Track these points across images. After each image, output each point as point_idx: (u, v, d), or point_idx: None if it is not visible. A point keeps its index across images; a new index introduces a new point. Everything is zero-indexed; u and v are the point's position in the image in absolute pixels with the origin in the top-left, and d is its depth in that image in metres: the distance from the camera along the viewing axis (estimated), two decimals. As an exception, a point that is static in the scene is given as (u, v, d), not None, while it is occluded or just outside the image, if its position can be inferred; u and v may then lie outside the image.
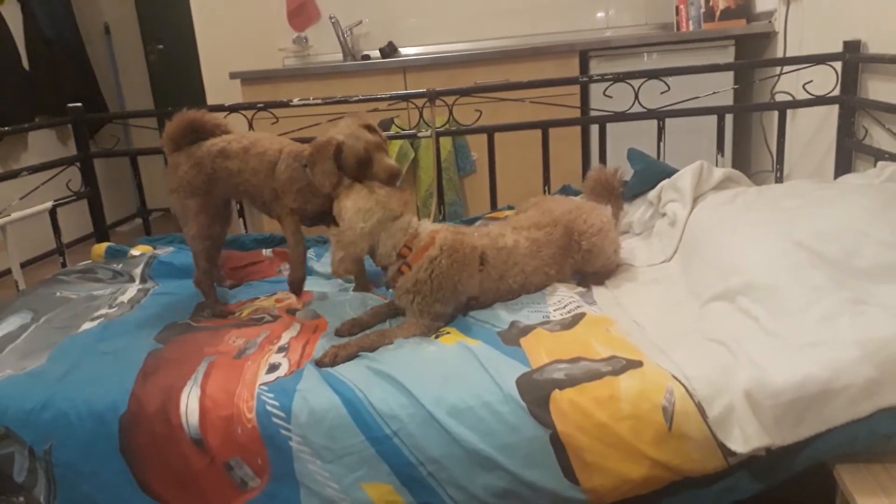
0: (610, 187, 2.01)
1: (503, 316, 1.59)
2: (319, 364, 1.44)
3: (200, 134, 1.82)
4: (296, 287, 1.75)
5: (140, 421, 1.35)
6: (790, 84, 2.40)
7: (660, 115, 2.35)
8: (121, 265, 2.13)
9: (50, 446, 1.35)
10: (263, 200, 1.79)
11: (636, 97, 2.32)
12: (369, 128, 1.68)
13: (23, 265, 2.35)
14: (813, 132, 2.53)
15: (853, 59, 2.21)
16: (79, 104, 2.61)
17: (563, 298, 1.66)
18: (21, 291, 2.14)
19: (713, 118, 2.39)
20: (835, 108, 2.30)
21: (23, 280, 2.31)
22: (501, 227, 1.75)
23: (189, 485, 1.33)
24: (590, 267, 1.77)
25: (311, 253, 2.18)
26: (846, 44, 2.22)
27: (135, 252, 2.25)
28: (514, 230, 1.72)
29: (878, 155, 2.04)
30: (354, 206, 1.56)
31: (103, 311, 1.80)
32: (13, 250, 2.26)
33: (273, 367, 1.45)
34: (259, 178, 1.76)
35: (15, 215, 2.26)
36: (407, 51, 3.77)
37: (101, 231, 2.69)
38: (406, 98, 2.54)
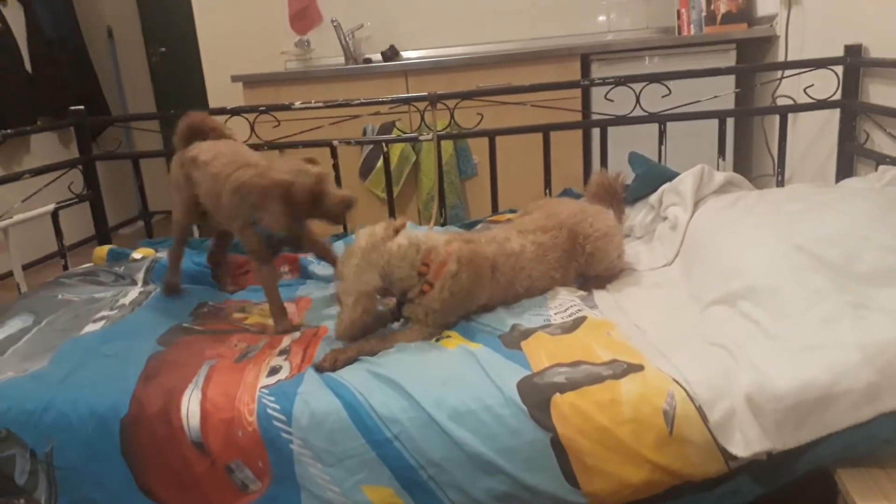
0: (613, 191, 2.01)
1: (504, 319, 1.59)
2: (319, 368, 1.44)
3: (200, 136, 1.85)
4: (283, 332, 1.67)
5: (141, 423, 1.35)
6: (791, 88, 2.40)
7: (661, 119, 2.35)
8: (123, 268, 2.13)
9: (51, 448, 1.35)
10: (225, 226, 1.79)
11: (637, 101, 2.32)
12: (311, 161, 1.66)
13: (24, 267, 2.35)
14: (814, 136, 2.53)
15: (854, 63, 2.21)
16: (81, 107, 2.62)
17: (564, 302, 1.66)
18: (23, 294, 2.14)
19: (714, 122, 2.39)
20: (836, 112, 2.30)
21: (24, 282, 2.31)
22: (507, 231, 1.74)
23: (190, 487, 1.33)
24: (592, 270, 1.77)
25: (310, 256, 2.18)
26: (847, 48, 2.22)
27: (136, 255, 2.25)
28: (520, 234, 1.72)
29: (880, 159, 2.04)
30: (346, 265, 1.54)
31: (105, 314, 1.80)
32: (15, 253, 2.26)
33: (274, 370, 1.45)
34: (211, 200, 1.74)
35: (17, 218, 2.26)
36: (408, 54, 3.77)
37: (102, 234, 2.70)
38: (407, 101, 2.54)
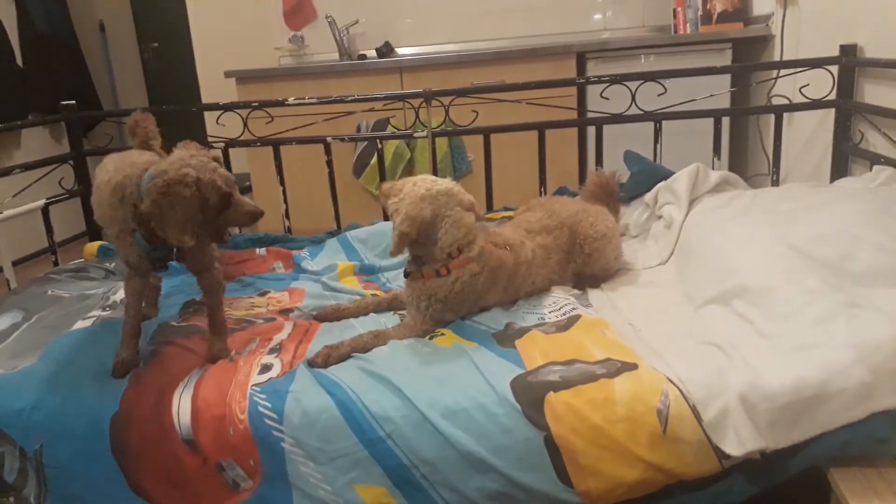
0: (609, 191, 2.01)
1: (498, 317, 1.58)
2: (311, 364, 1.44)
3: (141, 138, 1.68)
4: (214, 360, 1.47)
5: (132, 421, 1.34)
6: (787, 87, 2.41)
7: (656, 118, 2.35)
8: (113, 264, 2.12)
9: (41, 446, 1.34)
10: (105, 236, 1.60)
11: (633, 99, 2.32)
12: (217, 160, 1.38)
13: (14, 263, 2.34)
14: (809, 136, 2.53)
15: (849, 63, 2.21)
16: (72, 102, 2.60)
17: (558, 300, 1.65)
18: (12, 290, 2.12)
19: (710, 121, 2.39)
20: (831, 112, 2.30)
21: (14, 278, 2.30)
22: (517, 232, 1.73)
23: (180, 485, 1.32)
24: (588, 270, 1.77)
25: (304, 252, 2.17)
26: (843, 48, 2.23)
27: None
28: (528, 235, 1.71)
29: (874, 159, 2.04)
30: (411, 186, 1.50)
31: (95, 311, 1.78)
32: (5, 248, 2.25)
33: (265, 368, 1.44)
34: (98, 216, 1.51)
35: (7, 213, 2.25)
36: (403, 51, 3.76)
37: (93, 230, 2.67)
38: (402, 98, 2.53)
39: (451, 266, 1.52)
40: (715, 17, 3.14)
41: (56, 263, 2.38)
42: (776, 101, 2.38)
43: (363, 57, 3.68)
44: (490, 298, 1.62)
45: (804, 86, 2.29)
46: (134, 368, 1.45)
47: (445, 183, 1.53)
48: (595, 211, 1.82)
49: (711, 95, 2.43)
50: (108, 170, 1.47)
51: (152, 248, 1.43)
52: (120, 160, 1.50)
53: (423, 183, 1.51)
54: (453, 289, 1.52)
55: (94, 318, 1.74)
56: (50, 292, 1.94)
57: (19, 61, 4.18)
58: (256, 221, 1.40)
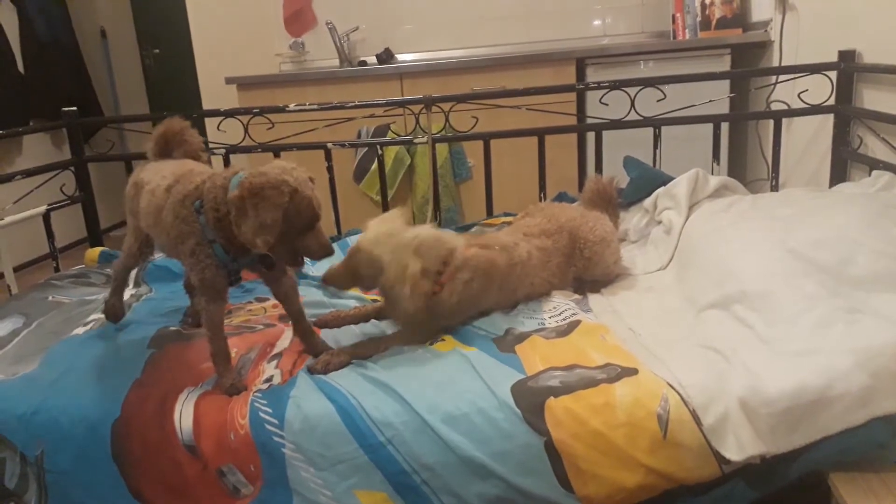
0: (607, 196, 2.02)
1: (498, 322, 1.58)
2: (311, 371, 1.44)
3: (175, 147, 1.61)
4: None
5: (133, 427, 1.34)
6: (786, 93, 2.41)
7: (656, 123, 2.35)
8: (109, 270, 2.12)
9: (42, 452, 1.34)
10: (172, 255, 1.51)
11: (632, 105, 2.33)
12: (312, 180, 1.34)
13: (16, 269, 2.34)
14: (808, 141, 2.54)
15: (848, 69, 2.22)
16: (74, 108, 2.60)
17: (558, 305, 1.66)
18: (13, 296, 2.13)
19: (709, 126, 2.40)
20: (830, 118, 2.31)
21: (15, 284, 2.30)
22: (515, 235, 1.73)
23: (181, 491, 1.32)
24: (588, 274, 1.77)
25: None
26: (841, 53, 2.23)
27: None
28: (525, 238, 1.71)
29: (873, 164, 2.05)
30: (372, 246, 1.43)
31: (96, 316, 1.79)
32: (6, 254, 2.25)
33: (266, 380, 1.44)
34: (149, 224, 1.46)
35: (8, 219, 2.25)
36: (404, 57, 3.77)
37: (94, 236, 2.68)
38: (402, 104, 2.54)
39: (441, 281, 1.50)
40: (714, 23, 3.15)
41: (57, 269, 2.39)
42: (775, 106, 2.39)
43: (363, 63, 3.69)
44: (489, 300, 1.61)
45: (803, 91, 2.30)
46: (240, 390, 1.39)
47: (393, 228, 1.47)
48: (594, 216, 1.83)
49: (710, 101, 2.44)
50: (165, 175, 1.43)
51: (232, 259, 1.38)
52: (178, 167, 1.46)
53: (384, 251, 1.44)
54: (451, 300, 1.51)
55: (94, 323, 1.74)
56: (51, 298, 1.95)
57: (20, 68, 4.19)
58: (326, 257, 1.36)
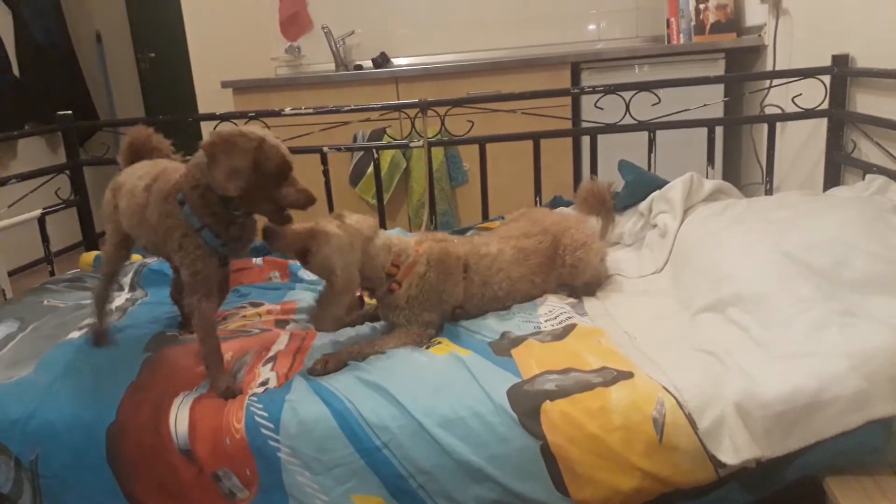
0: (602, 199, 2.02)
1: (494, 326, 1.59)
2: (311, 372, 1.44)
3: (144, 155, 1.62)
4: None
5: (128, 431, 1.33)
6: (779, 97, 2.42)
7: (650, 127, 2.36)
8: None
9: (36, 456, 1.34)
10: (159, 254, 1.55)
11: (627, 109, 2.34)
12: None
13: (10, 273, 2.34)
14: (802, 145, 2.55)
15: (841, 73, 2.23)
16: (69, 112, 2.60)
17: (554, 309, 1.66)
18: (8, 300, 2.12)
19: (704, 130, 2.41)
20: (823, 122, 2.32)
21: (10, 288, 2.29)
22: (487, 238, 1.76)
23: (176, 496, 1.32)
24: (579, 280, 1.77)
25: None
26: (835, 58, 2.24)
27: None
28: (501, 239, 1.73)
29: (867, 168, 2.06)
30: (335, 250, 1.46)
31: (91, 320, 1.78)
32: (0, 258, 2.24)
33: (262, 383, 1.44)
34: (132, 224, 1.49)
35: (3, 223, 2.24)
36: (399, 61, 3.78)
37: (90, 240, 2.67)
38: (398, 108, 2.54)
39: (399, 279, 1.56)
40: (708, 27, 3.17)
41: (52, 273, 2.38)
42: (769, 110, 2.40)
43: (359, 67, 3.70)
44: (456, 290, 1.62)
45: (797, 95, 2.31)
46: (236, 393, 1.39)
47: (353, 232, 1.51)
48: (575, 220, 1.85)
49: (705, 105, 2.45)
50: (141, 175, 1.45)
51: (222, 244, 1.40)
52: (152, 167, 1.49)
53: (342, 256, 1.47)
54: (410, 293, 1.56)
55: (90, 327, 1.74)
56: (46, 302, 1.94)
57: (16, 71, 4.18)
58: (310, 206, 1.37)
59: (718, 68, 3.06)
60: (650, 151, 2.39)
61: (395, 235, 1.65)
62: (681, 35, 3.28)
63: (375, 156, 2.57)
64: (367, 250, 1.54)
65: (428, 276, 1.58)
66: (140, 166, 1.54)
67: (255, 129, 1.34)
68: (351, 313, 1.66)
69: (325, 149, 2.47)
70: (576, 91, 2.70)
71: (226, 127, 1.37)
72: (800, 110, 2.31)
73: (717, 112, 2.84)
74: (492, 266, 1.66)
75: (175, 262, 1.43)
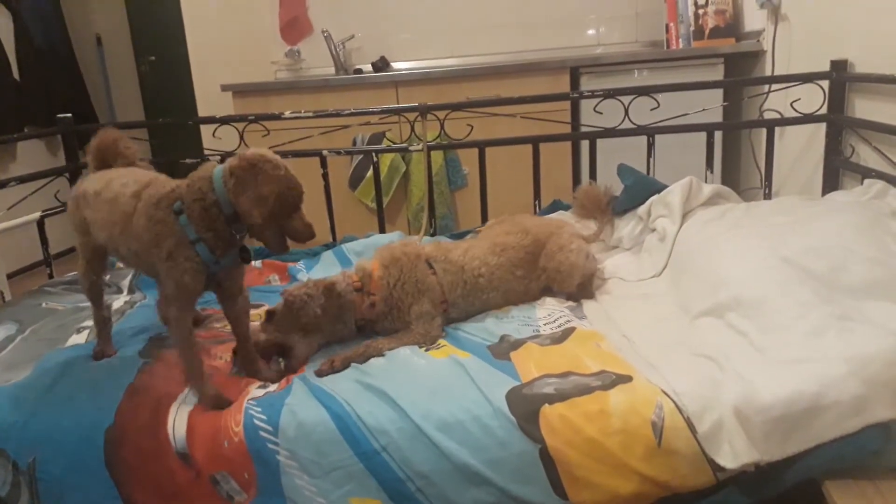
0: (599, 203, 2.03)
1: (493, 329, 1.59)
2: (319, 374, 1.46)
3: (112, 159, 1.58)
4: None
5: (126, 435, 1.33)
6: (778, 102, 2.43)
7: (649, 132, 2.36)
8: (108, 276, 2.11)
9: (34, 460, 1.33)
10: (138, 266, 1.47)
11: (626, 113, 2.34)
12: None
13: (9, 276, 2.34)
14: (801, 150, 2.55)
15: (840, 78, 2.24)
16: (69, 115, 2.60)
17: (553, 312, 1.66)
18: (7, 302, 2.12)
19: (703, 135, 2.41)
20: (822, 126, 2.32)
21: (9, 291, 2.29)
22: (457, 241, 1.83)
23: (174, 499, 1.32)
24: (571, 285, 1.77)
25: (300, 264, 2.18)
26: (833, 63, 2.25)
27: (122, 263, 2.23)
28: (478, 238, 1.80)
29: (865, 172, 2.06)
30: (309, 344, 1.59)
31: (90, 323, 1.78)
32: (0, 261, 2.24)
33: (261, 386, 1.44)
34: (113, 234, 1.41)
35: (2, 226, 2.24)
36: (399, 65, 3.78)
37: (89, 242, 2.67)
38: (398, 112, 2.54)
39: (370, 290, 1.62)
40: (707, 32, 3.17)
41: (51, 276, 2.38)
42: (768, 115, 2.40)
43: (359, 71, 3.70)
44: (430, 282, 1.64)
45: (795, 100, 2.31)
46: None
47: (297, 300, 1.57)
48: (556, 225, 1.88)
49: (704, 110, 2.45)
50: (126, 182, 1.41)
51: (215, 261, 1.36)
52: (132, 174, 1.46)
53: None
54: (392, 294, 1.62)
55: (88, 330, 1.74)
56: (44, 305, 1.94)
57: (16, 74, 4.18)
58: (310, 239, 1.38)
59: (717, 73, 3.07)
60: (649, 156, 2.39)
61: (336, 274, 1.69)
62: (680, 40, 3.28)
63: (375, 159, 2.57)
64: (326, 301, 1.58)
65: (389, 276, 1.63)
66: (115, 174, 1.48)
67: (269, 153, 1.34)
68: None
69: (325, 152, 2.47)
70: (575, 95, 2.71)
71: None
72: (798, 115, 2.32)
73: (716, 117, 2.84)
74: (465, 255, 1.71)
75: (160, 271, 1.37)
